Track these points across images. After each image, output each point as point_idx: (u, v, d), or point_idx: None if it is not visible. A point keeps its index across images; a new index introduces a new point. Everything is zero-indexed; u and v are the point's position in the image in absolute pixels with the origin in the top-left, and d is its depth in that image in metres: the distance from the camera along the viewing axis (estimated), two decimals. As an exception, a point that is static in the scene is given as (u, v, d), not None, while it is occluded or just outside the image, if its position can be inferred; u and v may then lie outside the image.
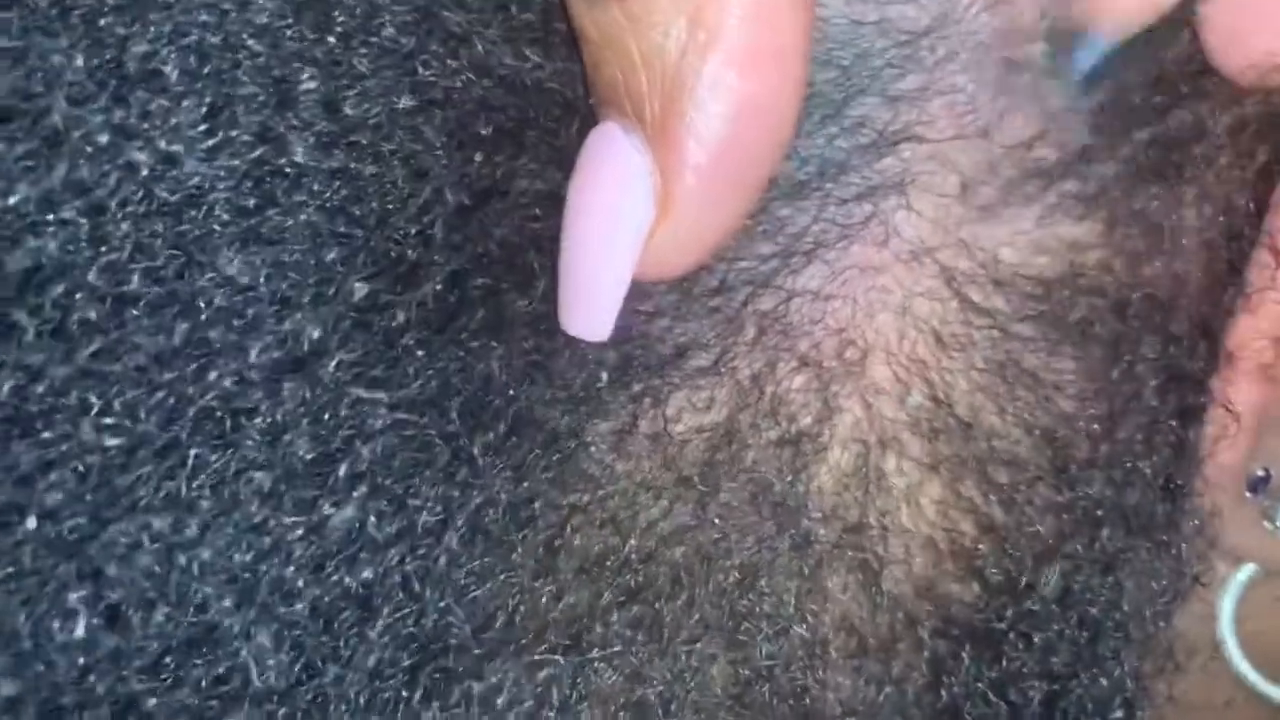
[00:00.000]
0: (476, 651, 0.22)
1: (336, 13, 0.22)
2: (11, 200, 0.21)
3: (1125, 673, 0.24)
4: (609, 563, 0.23)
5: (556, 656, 0.23)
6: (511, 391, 0.23)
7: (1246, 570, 0.29)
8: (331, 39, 0.22)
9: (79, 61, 0.20)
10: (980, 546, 0.24)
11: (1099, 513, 0.24)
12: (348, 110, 0.22)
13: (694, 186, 0.21)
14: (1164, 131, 0.23)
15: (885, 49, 0.23)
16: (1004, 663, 0.24)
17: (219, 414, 0.21)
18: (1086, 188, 0.24)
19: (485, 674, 0.22)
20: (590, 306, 0.22)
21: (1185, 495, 0.25)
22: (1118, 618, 0.24)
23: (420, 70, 0.22)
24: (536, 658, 0.22)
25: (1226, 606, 0.30)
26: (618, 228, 0.21)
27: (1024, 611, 0.24)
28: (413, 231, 0.22)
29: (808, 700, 0.24)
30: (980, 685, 0.24)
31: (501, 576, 0.22)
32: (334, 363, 0.21)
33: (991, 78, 0.23)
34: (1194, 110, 0.24)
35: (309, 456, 0.22)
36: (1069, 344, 0.24)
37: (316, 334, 0.21)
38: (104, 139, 0.21)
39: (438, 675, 0.22)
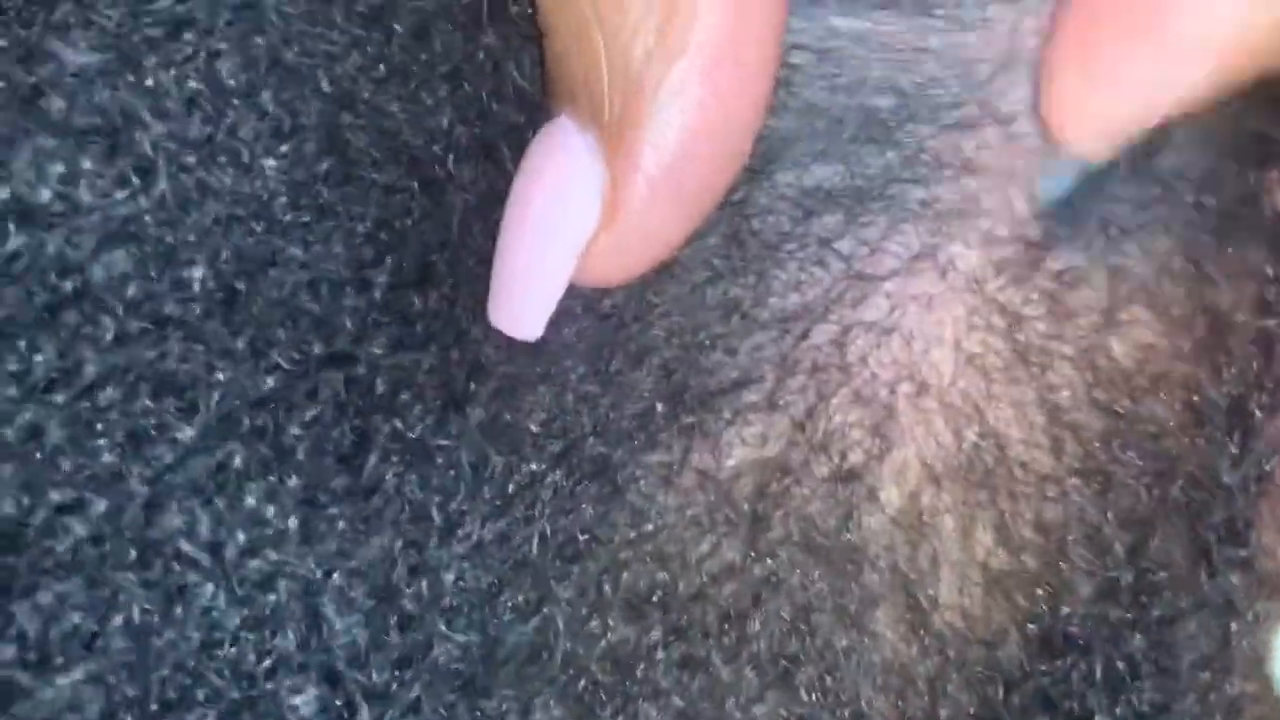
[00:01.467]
0: (519, 691, 0.22)
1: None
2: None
3: (1188, 713, 0.24)
4: (656, 600, 0.22)
5: (601, 695, 0.22)
6: (561, 423, 0.22)
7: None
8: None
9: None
10: (1033, 591, 0.24)
11: (1152, 569, 0.23)
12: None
13: (644, 195, 0.20)
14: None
15: (946, 77, 0.23)
16: (1050, 700, 0.24)
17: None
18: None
19: (529, 713, 0.22)
20: (521, 304, 0.21)
21: (1243, 550, 0.24)
22: (1169, 671, 0.23)
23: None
24: (581, 696, 0.22)
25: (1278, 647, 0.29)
26: (559, 227, 0.20)
27: (1071, 660, 0.23)
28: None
29: None
30: None
31: (545, 610, 0.22)
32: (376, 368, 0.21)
33: None
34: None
35: (343, 481, 0.21)
36: None
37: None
38: None
39: (479, 714, 0.22)
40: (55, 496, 0.20)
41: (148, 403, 0.21)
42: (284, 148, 0.20)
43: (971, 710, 0.24)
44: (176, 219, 0.21)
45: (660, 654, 0.22)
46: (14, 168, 0.21)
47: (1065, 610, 0.24)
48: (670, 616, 0.22)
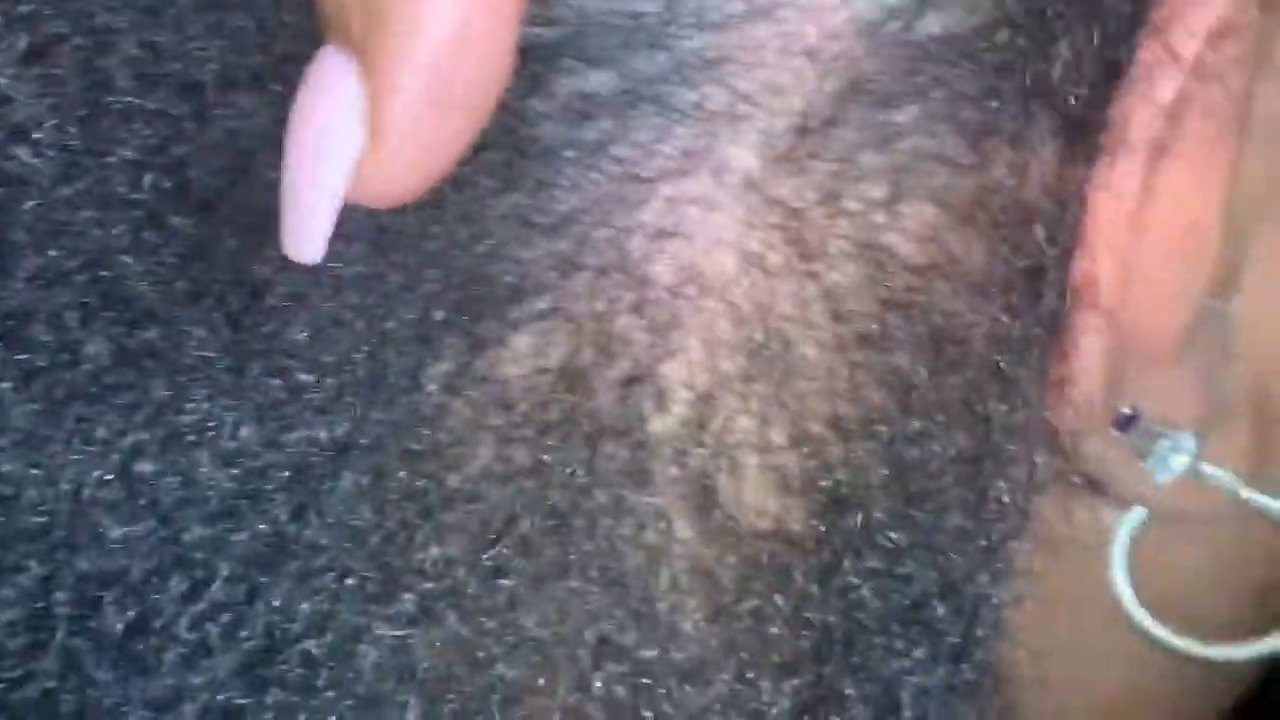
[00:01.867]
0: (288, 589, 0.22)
1: None
2: None
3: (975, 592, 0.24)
4: (432, 501, 0.23)
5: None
6: (334, 335, 0.22)
7: (1135, 516, 0.29)
8: None
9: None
10: (830, 485, 0.24)
11: (934, 458, 0.23)
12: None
13: (405, 113, 0.20)
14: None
15: None
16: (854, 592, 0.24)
17: None
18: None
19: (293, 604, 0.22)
20: (300, 227, 0.22)
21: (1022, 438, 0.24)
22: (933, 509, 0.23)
23: None
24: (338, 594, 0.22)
25: (1118, 555, 0.29)
26: (326, 153, 0.21)
27: (864, 541, 0.23)
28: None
29: (656, 646, 0.23)
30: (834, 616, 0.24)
31: (313, 509, 0.22)
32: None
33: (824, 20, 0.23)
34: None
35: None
36: None
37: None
38: None
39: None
40: None
41: None
42: (36, 71, 0.21)
43: (785, 609, 0.24)
44: None
45: (432, 553, 0.23)
46: None
47: (855, 497, 0.24)
48: (444, 517, 0.23)
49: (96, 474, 0.21)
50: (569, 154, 0.23)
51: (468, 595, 0.23)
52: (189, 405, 0.21)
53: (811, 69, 0.23)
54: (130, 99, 0.22)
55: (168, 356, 0.21)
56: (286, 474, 0.21)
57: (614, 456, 0.23)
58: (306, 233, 0.22)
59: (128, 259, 0.21)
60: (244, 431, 0.21)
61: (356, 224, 0.23)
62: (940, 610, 0.23)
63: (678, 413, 0.24)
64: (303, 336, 0.22)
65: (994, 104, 0.24)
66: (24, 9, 0.21)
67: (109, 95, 0.22)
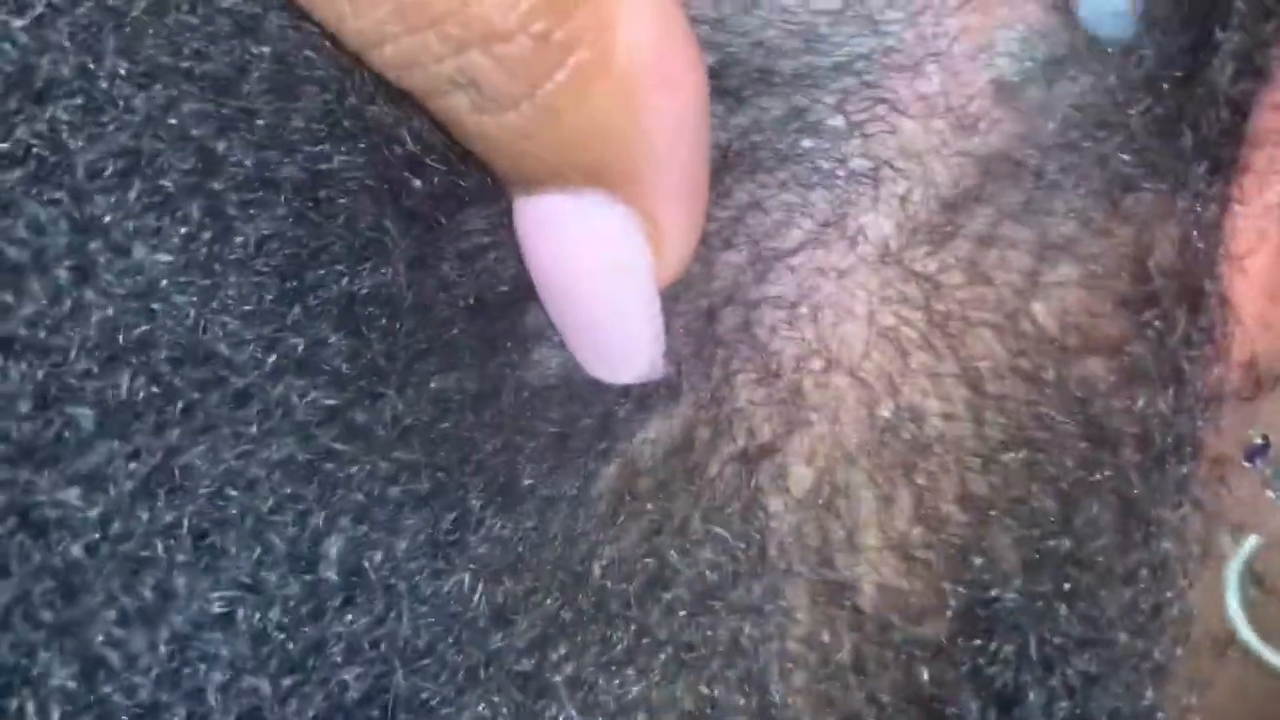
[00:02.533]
0: (429, 698, 0.21)
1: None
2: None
3: (1121, 682, 0.23)
4: (561, 592, 0.22)
5: (511, 693, 0.22)
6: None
7: (1251, 543, 0.28)
8: None
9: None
10: (957, 566, 0.23)
11: (1083, 538, 0.22)
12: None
13: (678, 204, 0.21)
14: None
15: (853, 38, 0.21)
16: (980, 676, 0.23)
17: None
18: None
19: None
20: (638, 352, 0.22)
21: (1178, 513, 0.23)
22: (1101, 642, 0.23)
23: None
24: (489, 700, 0.22)
25: (1232, 580, 0.28)
26: (629, 279, 0.21)
27: (1001, 635, 0.23)
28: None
29: None
30: (958, 701, 0.23)
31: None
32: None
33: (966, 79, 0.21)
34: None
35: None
36: None
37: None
38: None
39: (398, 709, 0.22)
40: None
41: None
42: None
43: (897, 690, 0.23)
44: None
45: (563, 649, 0.22)
46: None
47: (991, 584, 0.23)
48: (574, 604, 0.22)
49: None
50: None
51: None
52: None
53: (953, 132, 0.21)
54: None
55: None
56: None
57: (730, 535, 0.22)
58: (644, 353, 0.22)
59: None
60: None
61: None
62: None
63: (797, 490, 0.23)
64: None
65: (1136, 170, 0.22)
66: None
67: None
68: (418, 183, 0.21)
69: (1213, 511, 0.26)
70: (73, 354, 0.19)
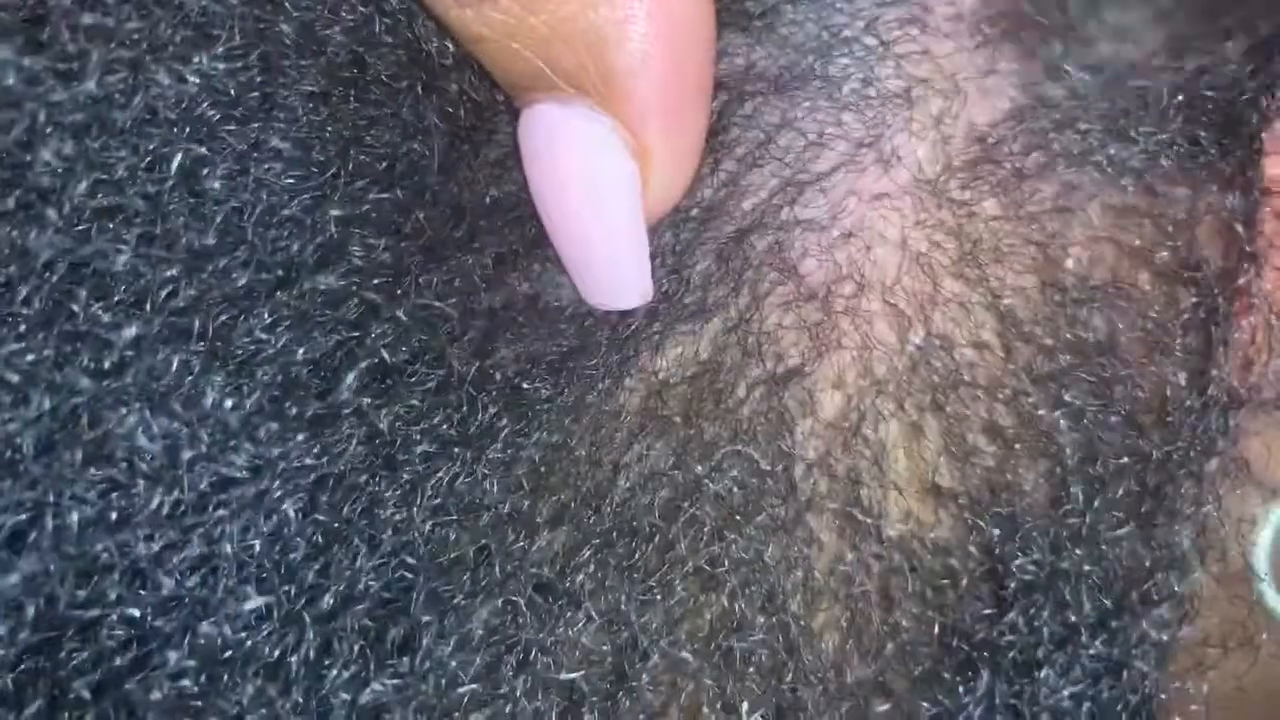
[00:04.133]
0: (447, 595, 0.22)
1: None
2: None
3: (1136, 631, 0.23)
4: (586, 503, 0.22)
5: (531, 596, 0.22)
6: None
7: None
8: None
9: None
10: (983, 496, 0.23)
11: (1111, 466, 0.22)
12: None
13: (664, 121, 0.20)
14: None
15: None
16: (1006, 611, 0.23)
17: None
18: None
19: (457, 618, 0.22)
20: (622, 278, 0.22)
21: (1207, 455, 0.23)
22: (1126, 568, 0.22)
23: None
24: (508, 600, 0.22)
25: (1264, 541, 0.28)
26: (611, 193, 0.21)
27: (1026, 560, 0.22)
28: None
29: (790, 655, 0.23)
30: (982, 633, 0.23)
31: (475, 517, 0.22)
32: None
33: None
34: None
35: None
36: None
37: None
38: None
39: (406, 620, 0.22)
40: None
41: (92, 299, 0.21)
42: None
43: (919, 621, 0.23)
44: (124, 105, 0.20)
45: (588, 556, 0.22)
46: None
47: (1016, 520, 0.23)
48: (601, 520, 0.22)
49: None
50: (723, 138, 0.22)
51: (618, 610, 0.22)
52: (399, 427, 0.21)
53: (986, 57, 0.21)
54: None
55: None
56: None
57: (757, 456, 0.22)
58: (631, 276, 0.22)
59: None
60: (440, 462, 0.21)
61: None
62: (1094, 645, 0.22)
63: (825, 416, 0.23)
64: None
65: (1166, 134, 0.22)
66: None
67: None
68: (454, 86, 0.21)
69: (1242, 477, 0.26)
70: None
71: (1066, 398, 0.22)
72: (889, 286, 0.22)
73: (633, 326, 0.22)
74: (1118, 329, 0.22)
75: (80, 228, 0.21)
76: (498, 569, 0.22)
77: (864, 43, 0.22)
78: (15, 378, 0.21)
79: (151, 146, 0.21)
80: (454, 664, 0.21)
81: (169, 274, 0.21)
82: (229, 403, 0.21)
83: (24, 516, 0.21)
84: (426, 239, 0.21)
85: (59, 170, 0.20)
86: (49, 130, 0.20)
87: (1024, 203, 0.22)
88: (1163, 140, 0.21)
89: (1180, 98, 0.21)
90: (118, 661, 0.20)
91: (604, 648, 0.22)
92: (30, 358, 0.21)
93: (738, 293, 0.22)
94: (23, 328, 0.21)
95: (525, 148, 0.21)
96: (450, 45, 0.21)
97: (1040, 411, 0.22)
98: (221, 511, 0.21)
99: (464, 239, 0.22)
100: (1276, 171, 0.23)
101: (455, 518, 0.22)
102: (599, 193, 0.21)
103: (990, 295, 0.22)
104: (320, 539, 0.21)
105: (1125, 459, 0.22)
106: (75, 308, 0.21)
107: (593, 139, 0.20)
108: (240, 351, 0.21)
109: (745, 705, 0.22)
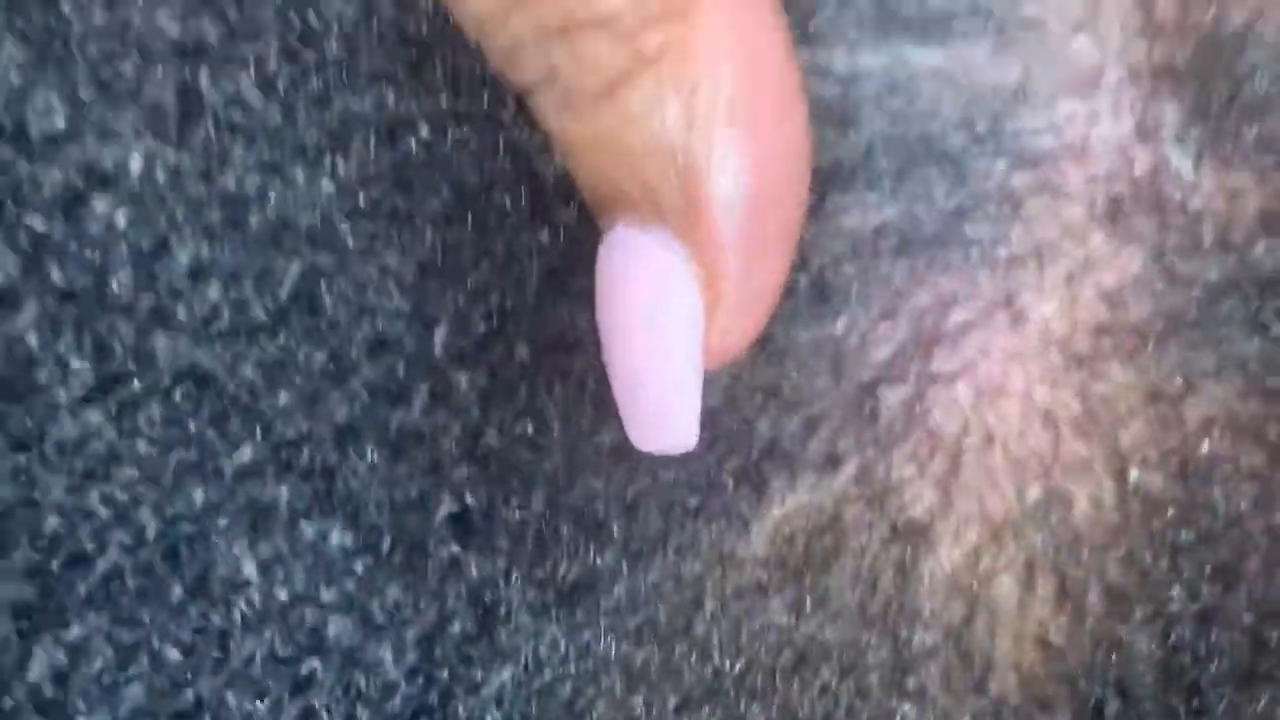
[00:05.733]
0: None
1: None
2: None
3: None
4: (703, 667, 0.22)
5: None
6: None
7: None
8: None
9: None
10: (1092, 657, 0.22)
11: (1215, 650, 0.22)
12: None
13: (739, 257, 0.19)
14: None
15: (1021, 110, 0.22)
16: None
17: None
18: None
19: None
20: (669, 422, 0.20)
21: None
22: None
23: None
24: None
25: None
26: (670, 329, 0.19)
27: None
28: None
29: None
30: None
31: (600, 680, 0.21)
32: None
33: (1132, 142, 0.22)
34: None
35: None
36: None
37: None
38: None
39: None
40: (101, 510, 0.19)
41: (205, 421, 0.20)
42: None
43: None
44: (260, 208, 0.20)
45: (696, 712, 0.21)
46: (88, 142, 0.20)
47: (1123, 680, 0.22)
48: (713, 677, 0.21)
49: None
50: (858, 292, 0.22)
51: None
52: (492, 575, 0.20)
53: (1109, 216, 0.22)
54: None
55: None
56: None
57: (874, 609, 0.22)
58: (681, 422, 0.20)
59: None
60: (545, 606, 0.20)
61: None
62: None
63: (944, 569, 0.22)
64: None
65: None
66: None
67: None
68: (560, 214, 0.21)
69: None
70: None
71: (1184, 567, 0.22)
72: (1013, 441, 0.22)
73: (763, 471, 0.22)
74: (1239, 505, 0.22)
75: (208, 338, 0.20)
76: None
77: (996, 204, 0.22)
78: (123, 496, 0.20)
79: (279, 256, 0.20)
80: None
81: (284, 402, 0.20)
82: (334, 540, 0.21)
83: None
84: (516, 371, 0.21)
85: (193, 272, 0.20)
86: (187, 230, 0.20)
87: (1149, 369, 0.22)
88: None
89: None
90: None
91: None
92: (140, 474, 0.20)
93: (865, 444, 0.22)
94: (142, 447, 0.20)
95: (599, 271, 0.20)
96: (557, 168, 0.21)
97: (1155, 577, 0.22)
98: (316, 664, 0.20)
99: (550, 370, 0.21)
100: None
101: (573, 672, 0.21)
102: (657, 326, 0.19)
103: (1109, 455, 0.22)
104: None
105: (1237, 635, 0.22)
106: (194, 426, 0.20)
107: (661, 267, 0.19)
108: (343, 489, 0.21)
109: None
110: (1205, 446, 0.22)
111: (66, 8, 0.19)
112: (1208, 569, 0.22)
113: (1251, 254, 0.22)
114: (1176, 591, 0.22)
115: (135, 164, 0.20)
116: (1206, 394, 0.22)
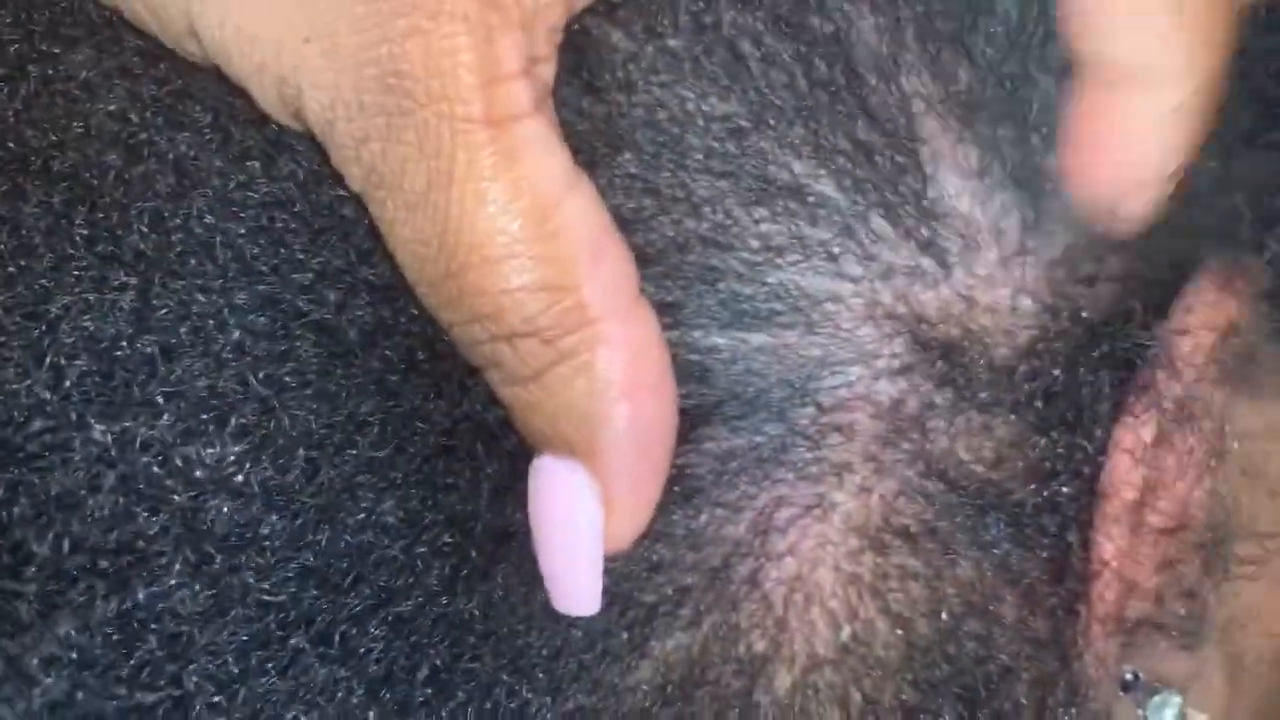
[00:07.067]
0: None
1: None
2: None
3: None
4: None
5: None
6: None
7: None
8: None
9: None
10: None
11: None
12: None
13: (627, 485, 0.30)
14: None
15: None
16: None
17: None
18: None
19: None
20: (579, 593, 0.31)
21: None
22: None
23: None
24: None
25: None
26: (581, 533, 0.30)
27: None
28: None
29: None
30: None
31: None
32: None
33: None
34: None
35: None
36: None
37: None
38: None
39: None
40: None
41: None
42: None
43: None
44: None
45: None
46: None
47: None
48: None
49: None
50: (713, 495, 0.31)
51: None
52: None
53: (891, 446, 0.31)
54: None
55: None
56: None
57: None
58: (585, 593, 0.31)
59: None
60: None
61: None
62: None
63: (779, 690, 0.32)
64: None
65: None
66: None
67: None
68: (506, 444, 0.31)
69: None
70: None
71: (947, 685, 0.31)
72: (827, 597, 0.32)
73: (652, 625, 0.31)
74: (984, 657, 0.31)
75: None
76: None
77: (798, 454, 0.32)
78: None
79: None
80: None
81: None
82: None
83: None
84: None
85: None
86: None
87: (920, 542, 0.31)
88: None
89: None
90: None
91: None
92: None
93: (721, 602, 0.32)
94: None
95: (530, 487, 0.30)
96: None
97: (932, 694, 0.31)
98: None
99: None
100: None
101: None
102: (569, 528, 0.30)
103: (890, 609, 0.31)
104: None
105: None
106: None
107: (572, 490, 0.29)
108: None
109: None
110: (965, 601, 0.31)
111: None
112: (971, 689, 0.31)
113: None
114: (947, 706, 0.31)
115: None
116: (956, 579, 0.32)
